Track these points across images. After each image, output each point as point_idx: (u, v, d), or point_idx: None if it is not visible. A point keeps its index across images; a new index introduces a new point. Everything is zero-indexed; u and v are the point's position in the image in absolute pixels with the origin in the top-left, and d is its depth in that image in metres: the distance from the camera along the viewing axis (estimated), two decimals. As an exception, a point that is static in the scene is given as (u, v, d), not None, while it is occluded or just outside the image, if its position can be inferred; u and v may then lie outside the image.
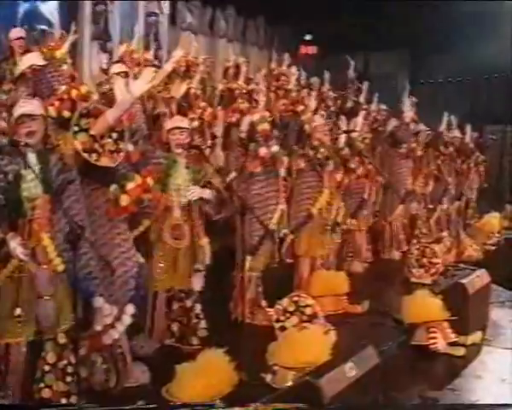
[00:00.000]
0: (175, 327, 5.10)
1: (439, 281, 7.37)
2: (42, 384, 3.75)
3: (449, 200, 9.52)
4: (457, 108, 15.57)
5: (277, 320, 5.28)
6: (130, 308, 4.21)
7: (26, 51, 7.12)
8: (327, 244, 6.59)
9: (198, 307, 5.15)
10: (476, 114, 14.89)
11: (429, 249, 7.48)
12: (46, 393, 3.74)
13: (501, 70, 14.31)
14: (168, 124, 5.11)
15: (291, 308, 5.30)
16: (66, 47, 6.06)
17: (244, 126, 5.81)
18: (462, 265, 7.99)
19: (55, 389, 3.76)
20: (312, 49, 15.03)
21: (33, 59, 5.68)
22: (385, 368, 4.91)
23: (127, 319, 4.21)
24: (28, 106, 3.79)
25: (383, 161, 8.15)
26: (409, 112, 8.32)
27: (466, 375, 5.10)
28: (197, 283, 5.12)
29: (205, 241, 5.11)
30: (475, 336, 5.60)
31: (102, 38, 10.18)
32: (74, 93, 4.60)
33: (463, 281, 5.66)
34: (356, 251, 7.73)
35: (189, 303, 5.13)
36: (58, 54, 5.92)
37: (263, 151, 5.62)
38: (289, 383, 4.48)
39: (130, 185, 4.16)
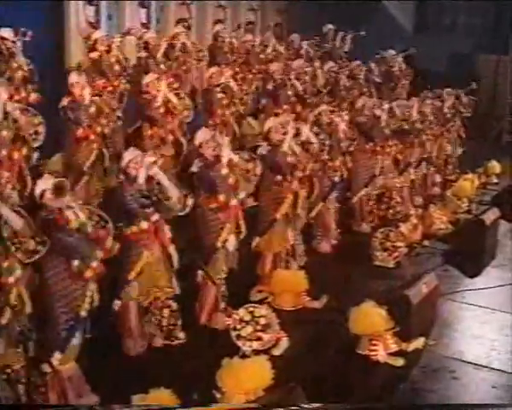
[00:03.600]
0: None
1: (402, 263, 7.85)
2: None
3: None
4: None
5: (234, 329, 5.81)
6: (57, 355, 4.75)
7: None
8: (289, 239, 7.01)
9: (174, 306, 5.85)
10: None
11: (393, 233, 7.85)
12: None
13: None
14: None
15: (247, 318, 5.79)
16: None
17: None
18: (426, 242, 8.45)
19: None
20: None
21: None
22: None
23: (54, 362, 4.76)
24: None
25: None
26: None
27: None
28: None
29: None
30: (417, 342, 5.97)
31: (89, -10, 10.20)
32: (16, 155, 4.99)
33: (408, 293, 6.03)
34: (325, 230, 8.10)
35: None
36: None
37: (233, 202, 5.92)
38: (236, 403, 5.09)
39: (94, 264, 4.69)
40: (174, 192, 5.62)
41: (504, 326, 6.55)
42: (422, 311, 6.14)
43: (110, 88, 7.90)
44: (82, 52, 9.30)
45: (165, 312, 5.77)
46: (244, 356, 5.46)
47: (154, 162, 5.55)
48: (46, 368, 4.78)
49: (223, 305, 6.26)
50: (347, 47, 11.36)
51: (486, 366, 5.88)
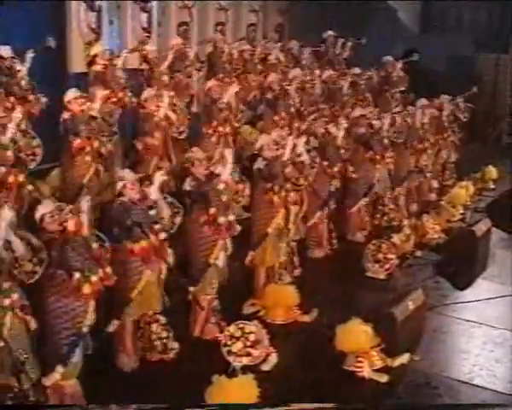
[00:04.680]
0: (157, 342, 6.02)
1: (393, 274, 8.00)
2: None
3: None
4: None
5: (225, 344, 6.02)
6: (60, 369, 4.93)
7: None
8: (282, 253, 7.19)
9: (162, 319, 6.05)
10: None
11: (385, 245, 8.00)
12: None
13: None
14: None
15: (237, 334, 5.99)
16: (9, 134, 6.18)
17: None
18: (419, 253, 8.60)
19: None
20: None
21: None
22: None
23: (56, 375, 4.95)
24: None
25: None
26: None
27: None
28: None
29: None
30: (403, 358, 6.12)
31: (90, -4, 10.29)
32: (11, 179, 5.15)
33: (394, 310, 6.19)
34: (318, 240, 8.28)
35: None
36: (2, 139, 6.13)
37: (221, 220, 6.05)
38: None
39: (94, 278, 4.85)
40: (167, 212, 5.82)
41: (489, 341, 6.68)
42: (408, 327, 6.27)
43: (114, 99, 8.03)
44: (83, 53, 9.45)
45: (154, 326, 5.98)
46: (233, 371, 5.67)
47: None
48: (46, 381, 4.94)
49: (214, 320, 6.45)
50: (347, 54, 11.43)
51: (468, 382, 6.00)
